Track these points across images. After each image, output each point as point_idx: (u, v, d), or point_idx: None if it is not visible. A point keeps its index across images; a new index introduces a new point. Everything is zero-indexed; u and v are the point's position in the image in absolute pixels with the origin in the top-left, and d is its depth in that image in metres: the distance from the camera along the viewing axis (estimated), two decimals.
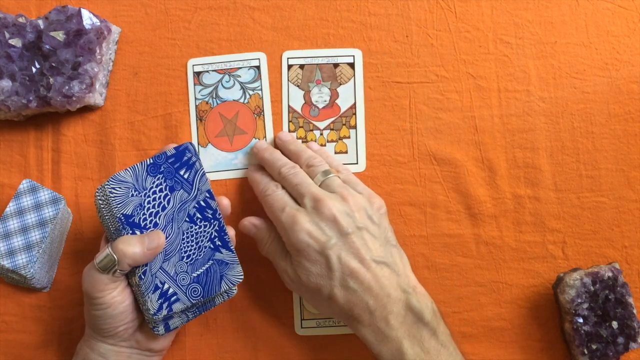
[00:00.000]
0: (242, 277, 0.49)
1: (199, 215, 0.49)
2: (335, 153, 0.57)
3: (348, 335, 0.55)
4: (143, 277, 0.46)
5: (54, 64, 0.53)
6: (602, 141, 0.57)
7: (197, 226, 0.48)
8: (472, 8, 0.58)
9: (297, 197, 0.49)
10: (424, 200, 0.56)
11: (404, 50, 0.58)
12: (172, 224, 0.48)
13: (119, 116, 0.57)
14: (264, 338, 0.54)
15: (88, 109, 0.57)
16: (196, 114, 0.57)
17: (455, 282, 0.55)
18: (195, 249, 0.48)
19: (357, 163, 0.56)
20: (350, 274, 0.46)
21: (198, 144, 0.57)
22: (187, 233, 0.48)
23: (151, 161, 0.48)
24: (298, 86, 0.57)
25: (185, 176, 0.49)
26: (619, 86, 0.57)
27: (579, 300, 0.50)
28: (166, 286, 0.47)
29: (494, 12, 0.58)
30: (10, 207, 0.52)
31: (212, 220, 0.49)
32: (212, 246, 0.49)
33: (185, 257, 0.48)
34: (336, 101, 0.57)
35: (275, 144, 0.56)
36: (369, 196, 0.50)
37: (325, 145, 0.57)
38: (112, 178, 0.47)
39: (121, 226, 0.46)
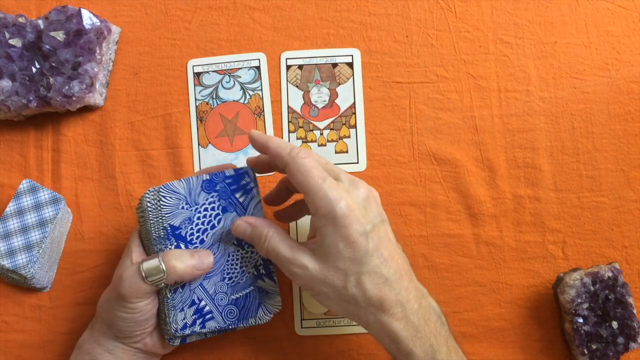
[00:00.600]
0: (280, 307, 0.49)
1: None
2: (336, 153, 0.57)
3: (348, 335, 0.55)
4: (181, 290, 0.46)
5: (54, 64, 0.53)
6: (602, 141, 0.57)
7: (244, 251, 0.48)
8: (472, 8, 0.58)
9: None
10: (424, 200, 0.56)
11: (404, 50, 0.58)
12: (219, 244, 0.47)
13: (119, 116, 0.57)
14: (264, 338, 0.54)
15: (88, 109, 0.57)
16: (196, 115, 0.57)
17: (455, 282, 0.55)
18: (238, 272, 0.48)
19: (357, 162, 0.57)
20: (384, 261, 0.42)
21: (199, 144, 0.57)
22: (233, 256, 0.48)
23: (207, 177, 0.47)
24: (297, 86, 0.58)
25: (241, 200, 0.48)
26: (619, 86, 0.57)
27: (579, 300, 0.50)
28: (202, 303, 0.47)
29: (494, 12, 0.58)
30: (10, 207, 0.53)
31: None
32: (255, 273, 0.48)
33: (226, 279, 0.48)
34: (335, 101, 0.57)
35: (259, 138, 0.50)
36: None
37: (325, 145, 0.57)
38: (164, 186, 0.46)
39: (166, 236, 0.46)
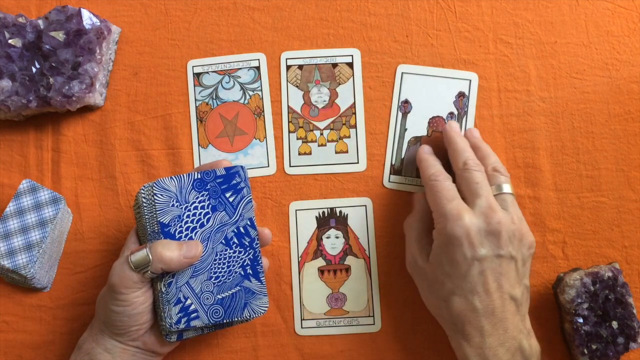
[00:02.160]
0: (267, 308, 0.49)
1: (236, 240, 0.49)
2: (336, 153, 0.57)
3: (348, 335, 0.54)
4: (168, 287, 0.47)
5: (54, 64, 0.54)
6: (602, 141, 0.57)
7: (232, 250, 0.48)
8: (472, 8, 0.58)
9: (468, 194, 0.48)
10: None
11: (404, 50, 0.58)
12: (207, 243, 0.48)
13: (119, 116, 0.57)
14: (264, 338, 0.54)
15: (88, 109, 0.57)
16: (196, 115, 0.57)
17: None
18: (225, 272, 0.48)
19: (357, 162, 0.56)
20: (482, 293, 0.45)
21: (199, 145, 0.57)
22: (220, 255, 0.48)
23: (199, 176, 0.48)
24: (297, 86, 0.58)
25: (231, 199, 0.48)
26: (619, 86, 0.57)
27: (579, 300, 0.50)
28: (188, 302, 0.47)
29: (494, 12, 0.58)
30: (10, 207, 0.53)
31: (248, 248, 0.49)
32: (242, 273, 0.49)
33: (213, 278, 0.48)
34: (335, 101, 0.57)
35: (448, 135, 0.52)
36: (527, 231, 0.48)
37: (325, 145, 0.57)
38: (157, 182, 0.47)
39: (160, 231, 0.47)
